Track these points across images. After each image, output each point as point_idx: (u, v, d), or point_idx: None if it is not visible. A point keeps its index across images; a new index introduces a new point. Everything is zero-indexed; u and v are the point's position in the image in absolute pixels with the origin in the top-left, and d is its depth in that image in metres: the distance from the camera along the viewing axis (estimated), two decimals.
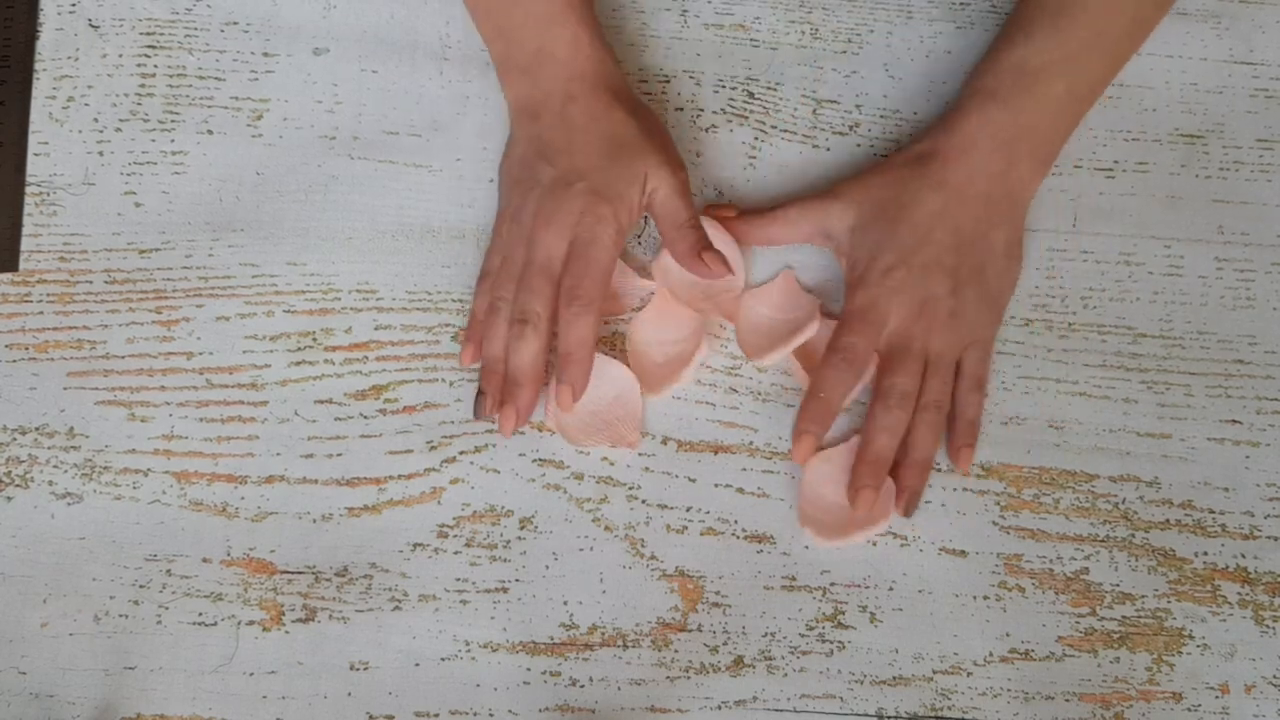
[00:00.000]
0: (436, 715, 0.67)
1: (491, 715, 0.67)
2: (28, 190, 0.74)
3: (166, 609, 0.68)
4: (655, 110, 0.75)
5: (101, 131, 0.75)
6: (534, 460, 0.71)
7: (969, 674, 0.69)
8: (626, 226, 0.70)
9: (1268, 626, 0.70)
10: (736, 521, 0.71)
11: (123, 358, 0.71)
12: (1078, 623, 0.70)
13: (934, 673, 0.69)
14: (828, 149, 0.78)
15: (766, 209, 0.74)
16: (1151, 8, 0.74)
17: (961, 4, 0.82)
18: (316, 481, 0.70)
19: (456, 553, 0.69)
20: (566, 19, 0.71)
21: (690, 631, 0.69)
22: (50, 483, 0.69)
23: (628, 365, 0.72)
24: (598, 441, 0.70)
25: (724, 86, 0.79)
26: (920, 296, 0.70)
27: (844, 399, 0.70)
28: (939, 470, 0.72)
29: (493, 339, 0.71)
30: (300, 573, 0.69)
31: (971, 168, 0.72)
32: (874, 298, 0.70)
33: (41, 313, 0.72)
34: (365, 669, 0.67)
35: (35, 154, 0.75)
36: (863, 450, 0.69)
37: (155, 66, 0.77)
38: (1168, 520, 0.72)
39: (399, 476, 0.70)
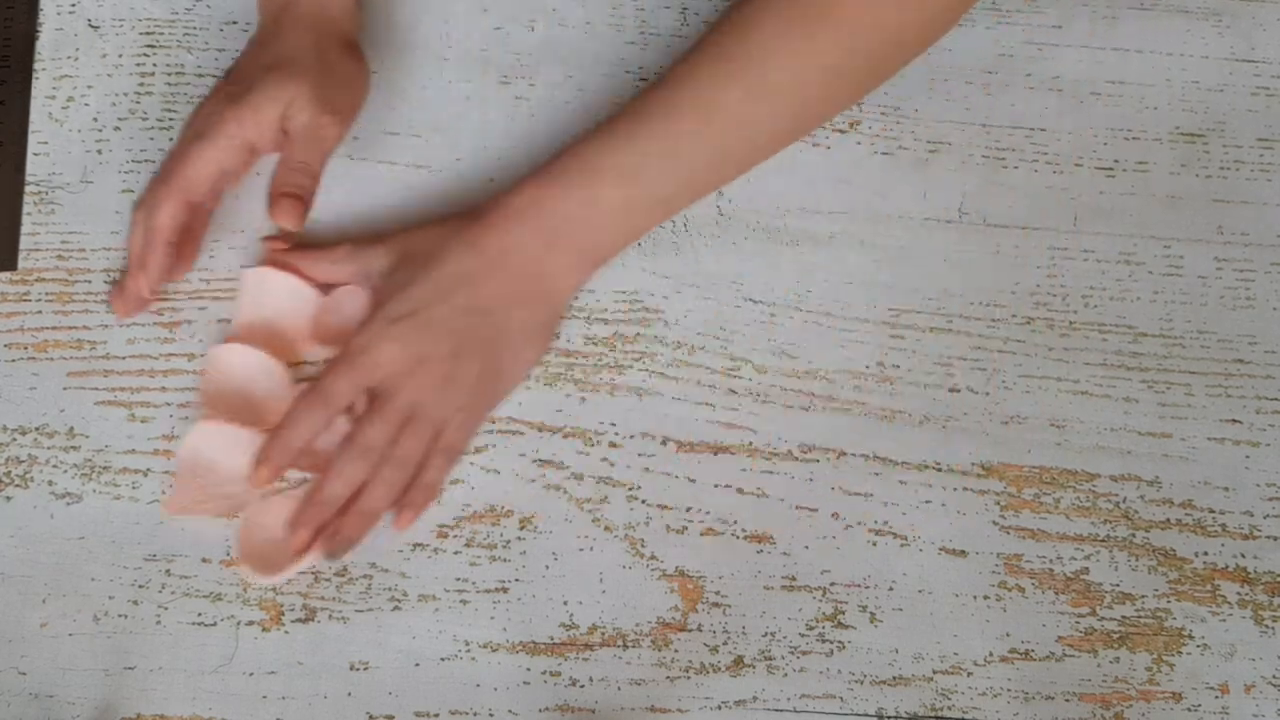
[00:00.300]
0: (436, 715, 0.67)
1: (491, 715, 0.67)
2: (27, 189, 0.74)
3: (166, 609, 0.68)
4: None
5: (100, 131, 0.75)
6: (534, 460, 0.71)
7: (969, 674, 0.69)
8: (254, 138, 0.68)
9: (1267, 626, 0.70)
10: (736, 521, 0.71)
11: (123, 358, 0.71)
12: (1078, 623, 0.70)
13: (934, 673, 0.69)
14: (828, 147, 0.78)
15: (323, 246, 0.73)
16: (743, 148, 0.71)
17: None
18: None
19: (456, 553, 0.69)
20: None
21: (690, 631, 0.69)
22: (50, 483, 0.69)
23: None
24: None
25: None
26: (419, 352, 0.68)
27: (311, 438, 0.67)
28: (939, 470, 0.72)
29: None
30: (300, 573, 0.68)
31: (509, 241, 0.69)
32: (371, 342, 0.67)
33: (40, 312, 0.72)
34: (365, 669, 0.67)
35: (34, 153, 0.75)
36: (314, 490, 0.66)
37: (154, 66, 0.77)
38: (1168, 520, 0.72)
39: None
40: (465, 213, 0.71)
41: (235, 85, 0.69)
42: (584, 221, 0.70)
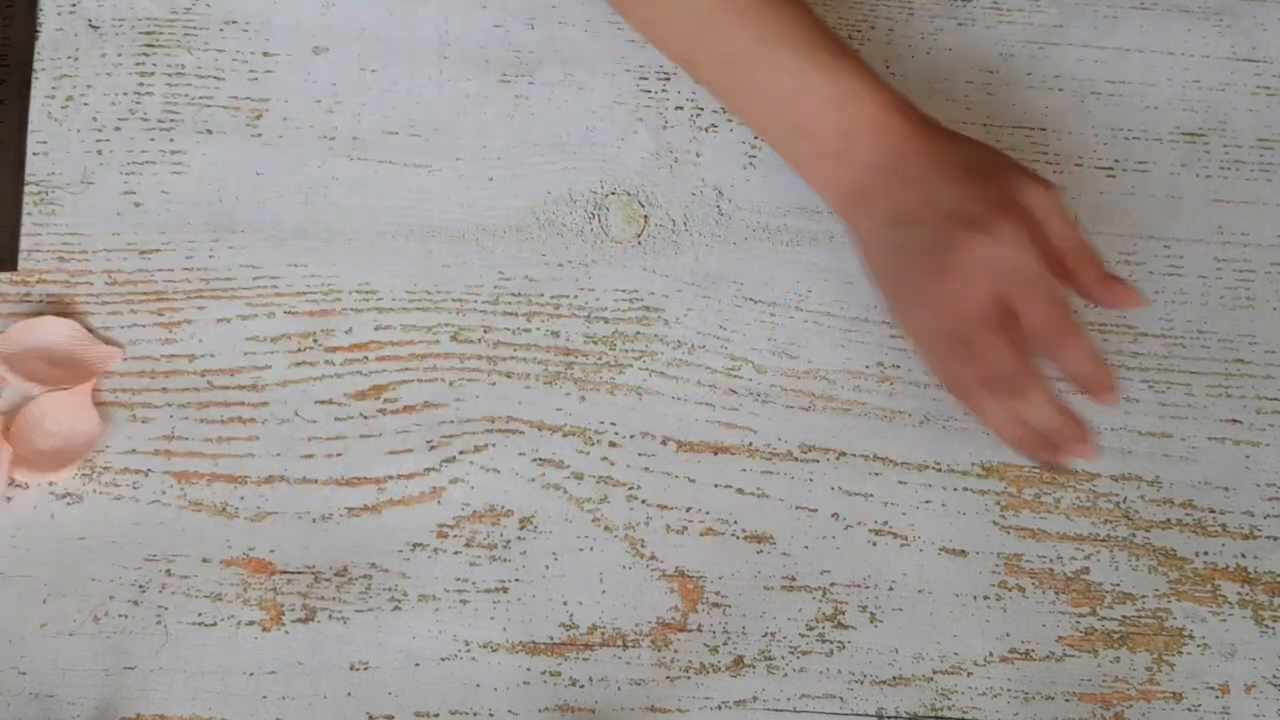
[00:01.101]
0: (436, 715, 0.67)
1: (491, 715, 0.67)
2: (27, 190, 0.74)
3: (166, 609, 0.68)
4: (652, 107, 0.74)
5: (100, 131, 0.75)
6: (534, 460, 0.71)
7: (969, 674, 0.69)
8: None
9: (1268, 626, 0.70)
10: (736, 521, 0.71)
11: (123, 359, 0.71)
12: (1078, 623, 0.70)
13: (934, 673, 0.69)
14: None
15: None
16: None
17: (963, 0, 0.82)
18: (316, 481, 0.70)
19: (456, 553, 0.69)
20: (854, 77, 0.67)
21: (690, 631, 0.69)
22: (50, 483, 0.69)
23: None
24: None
25: None
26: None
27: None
28: (939, 470, 0.72)
29: (996, 419, 0.67)
30: (300, 573, 0.69)
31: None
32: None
33: (41, 313, 0.72)
34: (365, 669, 0.67)
35: (34, 153, 0.75)
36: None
37: (154, 66, 0.77)
38: (1168, 520, 0.72)
39: (399, 476, 0.70)
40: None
41: (943, 212, 0.66)
42: None
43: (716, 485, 0.71)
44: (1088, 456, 0.66)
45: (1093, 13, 0.81)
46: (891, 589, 0.70)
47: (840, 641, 0.69)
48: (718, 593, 0.70)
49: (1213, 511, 0.72)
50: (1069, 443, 0.66)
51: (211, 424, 0.71)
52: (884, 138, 0.67)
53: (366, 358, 0.72)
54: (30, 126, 0.75)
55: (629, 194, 0.76)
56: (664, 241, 0.75)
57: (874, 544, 0.71)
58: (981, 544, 0.71)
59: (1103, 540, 0.71)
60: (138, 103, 0.76)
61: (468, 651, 0.68)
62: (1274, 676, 0.70)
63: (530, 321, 0.74)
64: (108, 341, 0.71)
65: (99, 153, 0.75)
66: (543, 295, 0.74)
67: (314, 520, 0.70)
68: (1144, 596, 0.71)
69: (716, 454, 0.72)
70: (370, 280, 0.74)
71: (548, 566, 0.70)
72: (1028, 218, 0.65)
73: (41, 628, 0.67)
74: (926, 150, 0.67)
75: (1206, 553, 0.72)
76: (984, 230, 0.63)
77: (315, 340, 0.73)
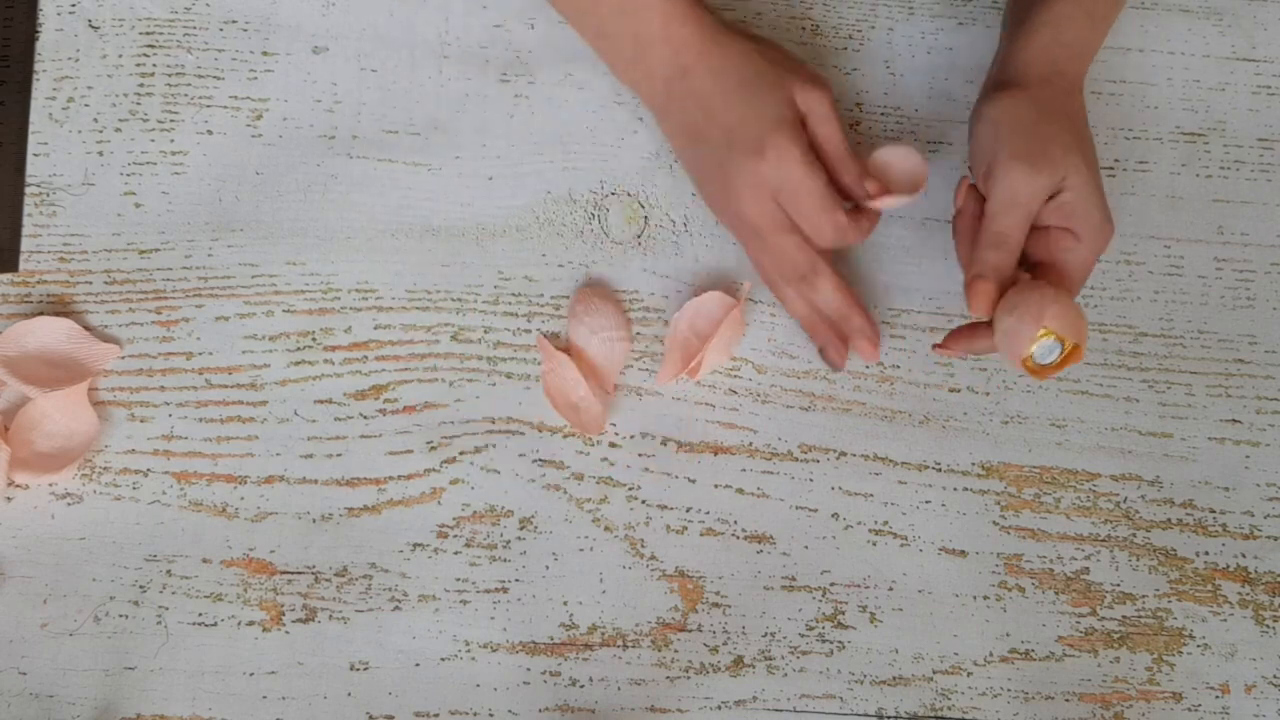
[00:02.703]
0: (436, 715, 0.67)
1: (491, 715, 0.67)
2: (27, 190, 0.74)
3: (166, 609, 0.68)
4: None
5: (101, 131, 0.75)
6: (534, 460, 0.71)
7: (969, 674, 0.69)
8: (807, 139, 0.69)
9: (1268, 626, 0.70)
10: (736, 522, 0.71)
11: (122, 358, 0.71)
12: (1078, 623, 0.70)
13: (934, 673, 0.69)
14: None
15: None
16: None
17: (963, 0, 0.81)
18: (316, 481, 0.70)
19: (456, 553, 0.69)
20: None
21: (690, 631, 0.69)
22: (50, 483, 0.69)
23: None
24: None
25: None
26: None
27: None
28: (939, 470, 0.72)
29: (794, 304, 0.72)
30: (300, 573, 0.69)
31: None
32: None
33: (41, 313, 0.72)
34: (365, 669, 0.67)
35: (35, 154, 0.75)
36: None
37: (154, 66, 0.77)
38: (1169, 520, 0.72)
39: (399, 476, 0.70)
40: (1037, 89, 0.68)
41: (728, 139, 0.70)
42: (1099, 41, 0.71)
43: (716, 485, 0.71)
44: (869, 355, 0.72)
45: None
46: (891, 589, 0.70)
47: (840, 641, 0.69)
48: (718, 593, 0.70)
49: (1213, 511, 0.72)
50: (855, 336, 0.71)
51: (211, 423, 0.71)
52: (669, 49, 0.70)
53: (366, 357, 0.72)
54: (31, 128, 0.75)
55: (629, 194, 0.76)
56: (664, 242, 0.75)
57: (874, 544, 0.71)
58: (981, 544, 0.71)
59: (1103, 540, 0.71)
60: (138, 103, 0.76)
61: (468, 651, 0.68)
62: (1274, 676, 0.70)
63: (530, 322, 0.73)
64: (105, 339, 0.71)
65: (99, 153, 0.75)
66: (543, 295, 0.74)
67: (314, 520, 0.70)
68: (1144, 596, 0.71)
69: (716, 454, 0.72)
70: (370, 279, 0.74)
71: (548, 567, 0.70)
72: (799, 131, 0.68)
73: (42, 628, 0.67)
74: (707, 66, 0.70)
75: (1207, 553, 0.72)
76: (758, 153, 0.68)
77: (314, 339, 0.73)
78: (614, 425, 0.72)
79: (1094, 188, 0.66)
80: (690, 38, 0.70)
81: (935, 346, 0.69)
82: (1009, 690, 0.68)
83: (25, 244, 0.73)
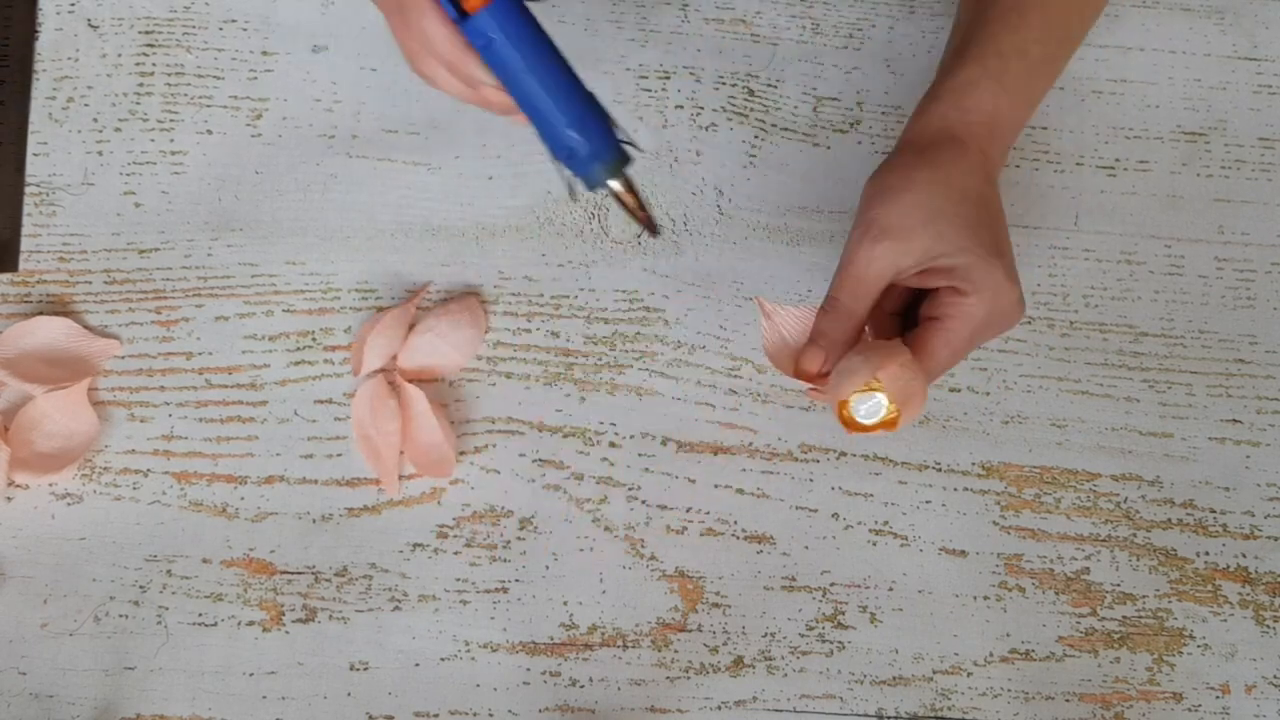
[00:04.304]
0: (436, 715, 0.67)
1: (491, 715, 0.67)
2: (27, 190, 0.74)
3: (166, 609, 0.68)
4: (652, 106, 0.73)
5: (101, 131, 0.75)
6: (534, 460, 0.71)
7: (969, 674, 0.69)
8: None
9: (1268, 626, 0.70)
10: (736, 522, 0.71)
11: (122, 358, 0.71)
12: (1078, 623, 0.70)
13: (934, 673, 0.69)
14: (828, 147, 0.78)
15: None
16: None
17: None
18: (316, 481, 0.70)
19: (456, 553, 0.69)
20: None
21: (690, 631, 0.69)
22: (50, 483, 0.69)
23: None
24: None
25: (724, 83, 0.79)
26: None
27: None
28: (939, 470, 0.72)
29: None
30: (300, 573, 0.69)
31: (996, 167, 0.67)
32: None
33: (41, 313, 0.72)
34: (365, 669, 0.67)
35: (35, 154, 0.75)
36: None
37: (154, 65, 0.77)
38: (1169, 520, 0.72)
39: (399, 477, 0.70)
40: (923, 154, 0.64)
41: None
42: (1019, 110, 0.67)
43: (716, 485, 0.71)
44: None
45: None
46: (891, 589, 0.70)
47: (840, 641, 0.69)
48: (718, 593, 0.70)
49: (1213, 511, 0.72)
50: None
51: (211, 423, 0.71)
52: None
53: None
54: (31, 127, 0.75)
55: None
56: (664, 242, 0.75)
57: (874, 544, 0.71)
58: (981, 544, 0.71)
59: (1103, 540, 0.71)
60: (137, 103, 0.76)
61: (468, 651, 0.68)
62: (1275, 676, 0.70)
63: (530, 322, 0.73)
64: (104, 338, 0.71)
65: (99, 153, 0.75)
66: (543, 295, 0.74)
67: (314, 520, 0.70)
68: (1144, 596, 0.70)
69: (716, 454, 0.72)
70: (369, 278, 0.74)
71: (548, 567, 0.70)
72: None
73: (42, 628, 0.67)
74: None
75: (1207, 553, 0.72)
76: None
77: (314, 339, 0.73)
78: (614, 425, 0.72)
79: (977, 256, 0.61)
80: None
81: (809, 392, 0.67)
82: (1009, 690, 0.68)
83: (25, 244, 0.73)
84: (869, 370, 0.60)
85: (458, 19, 0.57)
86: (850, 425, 0.62)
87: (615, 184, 0.60)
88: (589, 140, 0.58)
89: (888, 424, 0.61)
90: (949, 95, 0.65)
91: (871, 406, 0.61)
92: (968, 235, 0.62)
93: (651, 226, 0.62)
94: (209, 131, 0.76)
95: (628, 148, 0.60)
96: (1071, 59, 0.70)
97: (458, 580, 0.69)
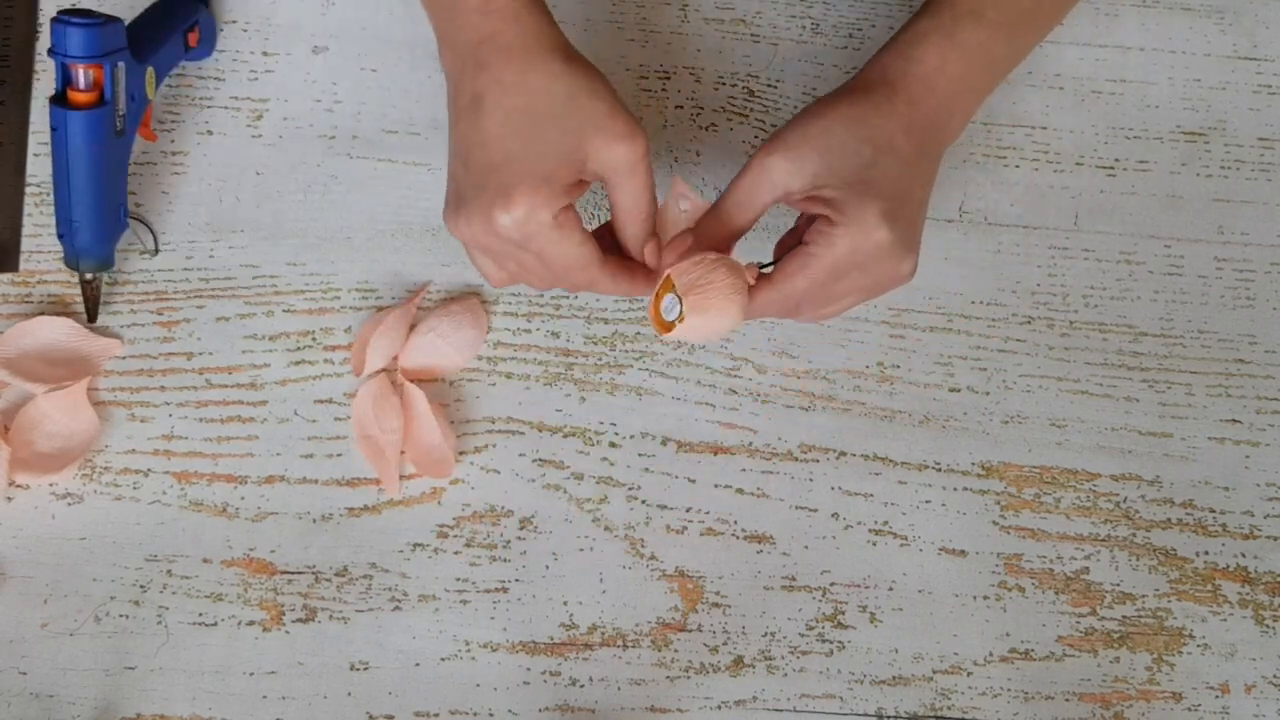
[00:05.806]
0: (436, 715, 0.67)
1: (491, 715, 0.67)
2: (28, 190, 0.74)
3: (166, 609, 0.68)
4: (652, 106, 0.73)
5: None
6: (534, 460, 0.71)
7: (969, 674, 0.69)
8: (567, 202, 0.61)
9: (1268, 626, 0.70)
10: (736, 521, 0.71)
11: (122, 358, 0.71)
12: (1078, 623, 0.70)
13: (934, 673, 0.69)
14: None
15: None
16: None
17: None
18: (316, 481, 0.70)
19: (456, 553, 0.69)
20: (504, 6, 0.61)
21: (690, 631, 0.69)
22: (50, 483, 0.69)
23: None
24: None
25: (724, 83, 0.79)
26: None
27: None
28: (939, 470, 0.72)
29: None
30: (300, 573, 0.69)
31: (934, 111, 0.66)
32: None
33: (42, 313, 0.72)
34: (365, 669, 0.67)
35: (35, 154, 0.75)
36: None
37: None
38: (1169, 520, 0.72)
39: (399, 476, 0.70)
40: (851, 92, 0.64)
41: (481, 176, 0.61)
42: (970, 71, 0.66)
43: (716, 485, 0.71)
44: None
45: (1093, 10, 0.81)
46: (891, 589, 0.70)
47: (840, 641, 0.69)
48: (718, 593, 0.70)
49: (1213, 511, 0.72)
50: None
51: (211, 423, 0.71)
52: (477, 40, 0.61)
53: None
54: (31, 128, 0.75)
55: None
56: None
57: (874, 544, 0.71)
58: (981, 544, 0.71)
59: (1103, 540, 0.71)
60: None
61: (468, 651, 0.68)
62: (1274, 676, 0.70)
63: (530, 322, 0.73)
64: (105, 336, 0.72)
65: None
66: (542, 295, 0.74)
67: (314, 520, 0.70)
68: (1144, 596, 0.71)
69: (716, 454, 0.72)
70: (369, 279, 0.74)
71: (548, 566, 0.70)
72: (559, 193, 0.60)
73: (42, 628, 0.67)
74: (500, 80, 0.60)
75: (1207, 552, 0.72)
76: (504, 201, 0.60)
77: (314, 339, 0.73)
78: (614, 425, 0.72)
79: (856, 192, 0.61)
80: (502, 31, 0.60)
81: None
82: (1009, 690, 0.68)
83: (25, 244, 0.73)
84: (696, 272, 0.61)
85: (52, 99, 0.67)
86: (660, 325, 0.63)
87: (83, 274, 0.70)
88: (71, 241, 0.69)
89: (686, 328, 0.61)
90: (897, 45, 0.66)
91: (667, 303, 0.62)
92: (856, 171, 0.62)
93: (89, 314, 0.72)
94: (209, 132, 0.76)
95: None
96: (1047, 36, 0.70)
97: (458, 580, 0.69)
